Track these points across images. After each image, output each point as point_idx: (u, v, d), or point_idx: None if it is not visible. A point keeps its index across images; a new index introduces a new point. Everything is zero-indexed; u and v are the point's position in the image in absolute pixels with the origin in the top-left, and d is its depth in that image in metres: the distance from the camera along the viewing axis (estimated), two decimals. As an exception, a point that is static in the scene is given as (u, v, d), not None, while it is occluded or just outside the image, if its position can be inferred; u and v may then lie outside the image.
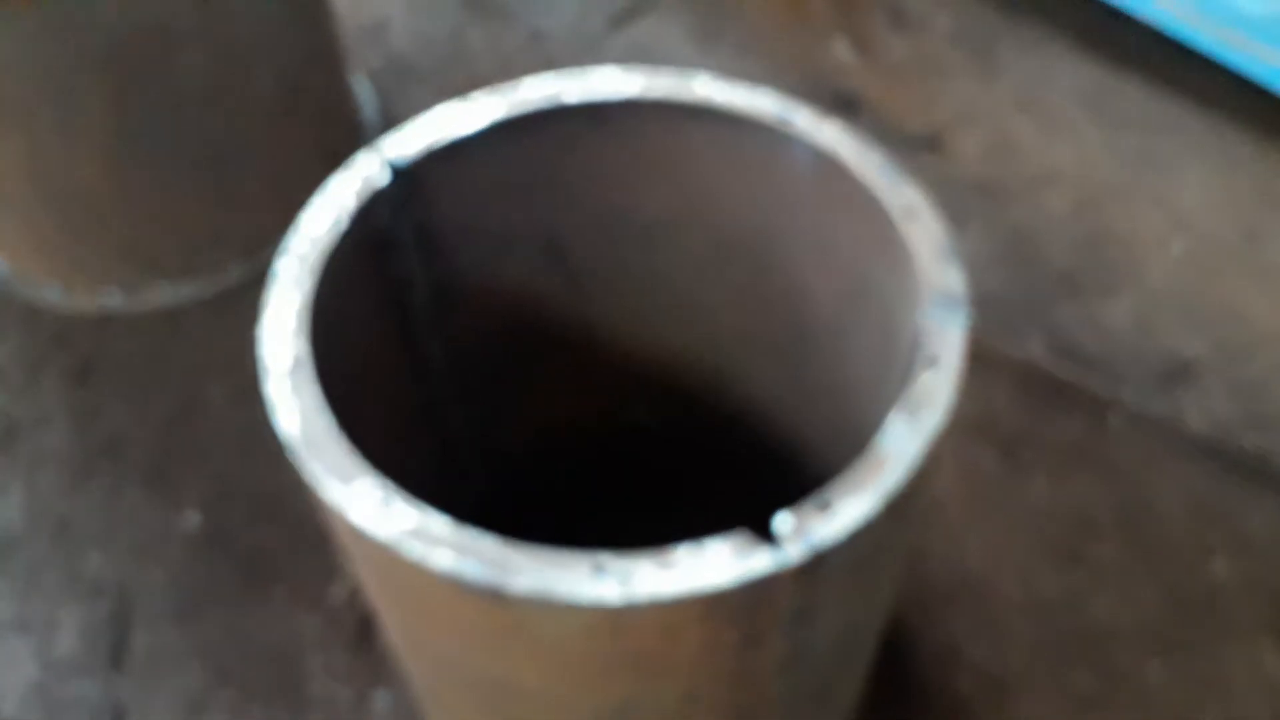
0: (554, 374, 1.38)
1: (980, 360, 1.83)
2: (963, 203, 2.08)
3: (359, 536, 0.81)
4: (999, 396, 1.80)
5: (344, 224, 1.01)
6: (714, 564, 0.75)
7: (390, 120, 2.24)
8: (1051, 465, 1.71)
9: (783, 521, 0.77)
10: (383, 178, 1.06)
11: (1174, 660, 1.49)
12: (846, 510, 0.78)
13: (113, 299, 1.96)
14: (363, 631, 1.54)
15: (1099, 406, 1.76)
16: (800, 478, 0.89)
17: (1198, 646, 1.49)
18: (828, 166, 1.06)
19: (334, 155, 2.00)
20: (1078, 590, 1.56)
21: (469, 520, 0.79)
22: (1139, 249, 2.02)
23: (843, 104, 2.30)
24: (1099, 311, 1.93)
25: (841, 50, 2.41)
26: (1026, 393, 1.80)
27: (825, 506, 0.78)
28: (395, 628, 1.10)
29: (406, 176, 1.09)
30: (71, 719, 1.48)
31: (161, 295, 1.97)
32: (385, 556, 0.80)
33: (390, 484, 0.80)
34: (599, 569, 0.74)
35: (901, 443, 0.83)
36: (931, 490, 1.60)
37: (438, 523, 0.77)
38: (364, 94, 2.29)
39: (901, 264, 0.99)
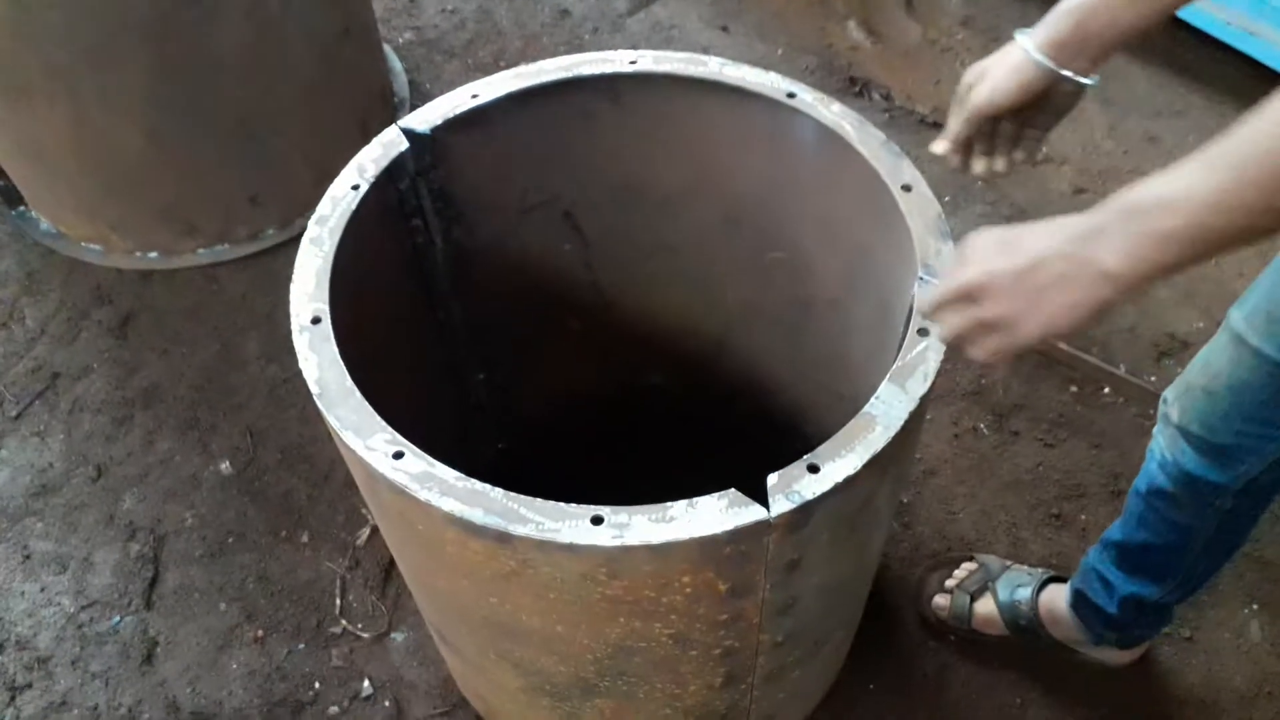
0: (568, 339, 1.43)
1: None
2: (968, 184, 2.11)
3: (374, 482, 0.88)
4: (995, 367, 1.83)
5: (365, 190, 1.06)
6: (706, 517, 0.80)
7: (419, 92, 2.30)
8: (1042, 433, 1.76)
9: (772, 481, 0.82)
10: (402, 146, 1.11)
11: (1162, 629, 1.53)
12: (833, 470, 0.83)
13: (152, 260, 2.03)
14: (383, 575, 1.62)
15: (1090, 378, 1.80)
16: (802, 445, 0.94)
17: (1183, 611, 1.53)
18: (831, 142, 1.10)
19: (365, 125, 2.07)
20: (1065, 553, 1.61)
21: (483, 475, 0.85)
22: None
23: (856, 85, 2.32)
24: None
25: (856, 33, 2.43)
26: (1021, 365, 1.84)
27: (813, 468, 0.84)
28: (409, 570, 1.17)
29: (427, 146, 1.14)
30: (104, 653, 1.56)
31: (199, 258, 2.03)
32: (398, 501, 0.86)
33: (402, 438, 0.86)
34: (597, 520, 0.80)
35: (889, 408, 0.88)
36: (915, 453, 1.64)
37: (447, 473, 0.83)
38: (395, 67, 2.34)
39: (899, 238, 1.03)
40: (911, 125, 2.23)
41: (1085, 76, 0.96)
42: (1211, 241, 0.69)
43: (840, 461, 0.84)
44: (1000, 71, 0.98)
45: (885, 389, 0.89)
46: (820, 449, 0.85)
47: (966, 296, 0.79)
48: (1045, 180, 2.14)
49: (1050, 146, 2.18)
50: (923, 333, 1.00)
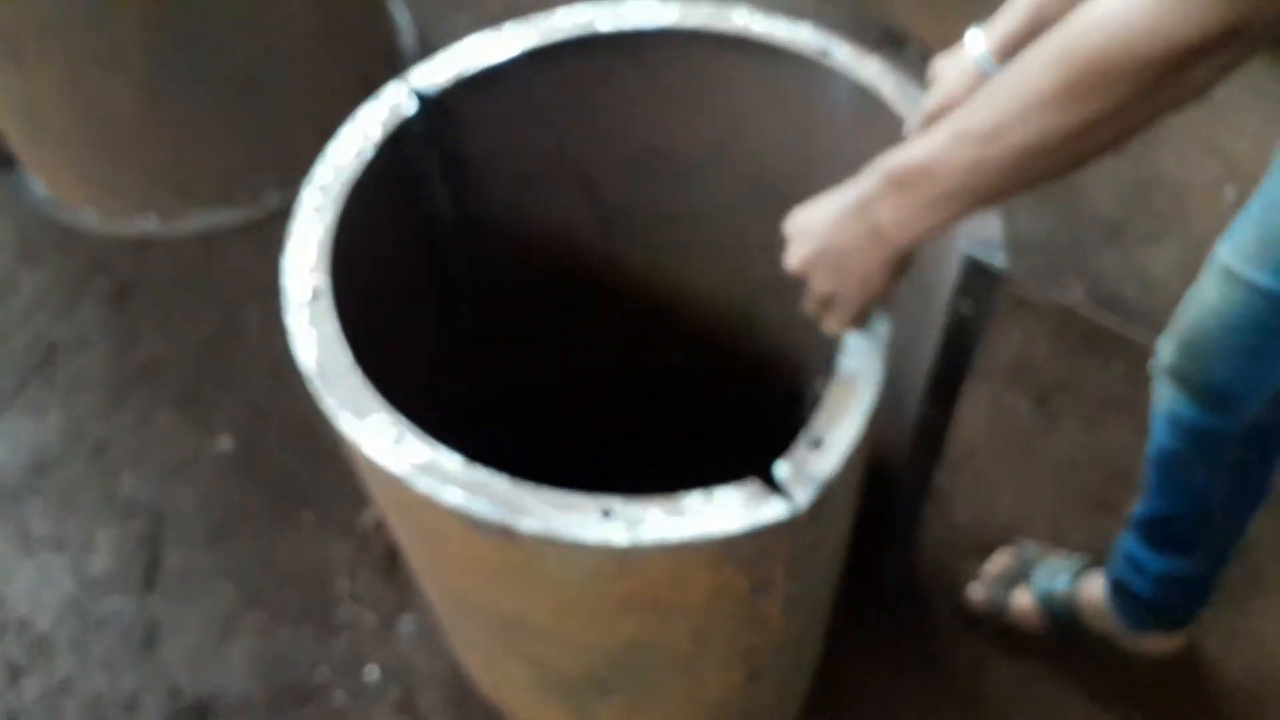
0: (584, 314, 1.36)
1: (1019, 306, 1.79)
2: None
3: (374, 469, 0.81)
4: (1037, 343, 1.76)
5: (369, 154, 0.99)
6: (724, 512, 0.73)
7: (428, 48, 2.21)
8: (1086, 414, 1.67)
9: (783, 469, 0.76)
10: (410, 108, 1.04)
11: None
12: (836, 442, 0.78)
13: (150, 224, 1.97)
14: (390, 557, 1.56)
15: (1137, 355, 1.71)
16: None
17: (1225, 600, 1.46)
18: (868, 102, 1.03)
19: (371, 84, 1.97)
20: (1108, 541, 1.53)
21: (491, 460, 0.78)
22: (1189, 196, 1.95)
23: (890, 39, 2.22)
24: (1143, 259, 1.87)
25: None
26: (1064, 340, 1.76)
27: (817, 443, 0.78)
28: (414, 559, 1.11)
29: (435, 107, 1.06)
30: (105, 635, 1.51)
31: (198, 222, 1.97)
32: (398, 490, 0.80)
33: (405, 420, 0.79)
34: (608, 513, 0.73)
35: (862, 360, 0.84)
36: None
37: (450, 460, 0.77)
38: (402, 21, 2.26)
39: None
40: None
41: None
42: (982, 196, 0.73)
43: (839, 430, 0.79)
44: (951, 75, 0.97)
45: (852, 341, 0.85)
46: (816, 422, 0.80)
47: (797, 277, 0.86)
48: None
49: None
50: (963, 304, 0.93)
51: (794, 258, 0.85)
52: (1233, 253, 0.98)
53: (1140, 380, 1.68)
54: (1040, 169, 0.69)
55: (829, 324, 0.87)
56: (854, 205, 0.78)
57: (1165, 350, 1.09)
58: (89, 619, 1.52)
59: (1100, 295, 1.82)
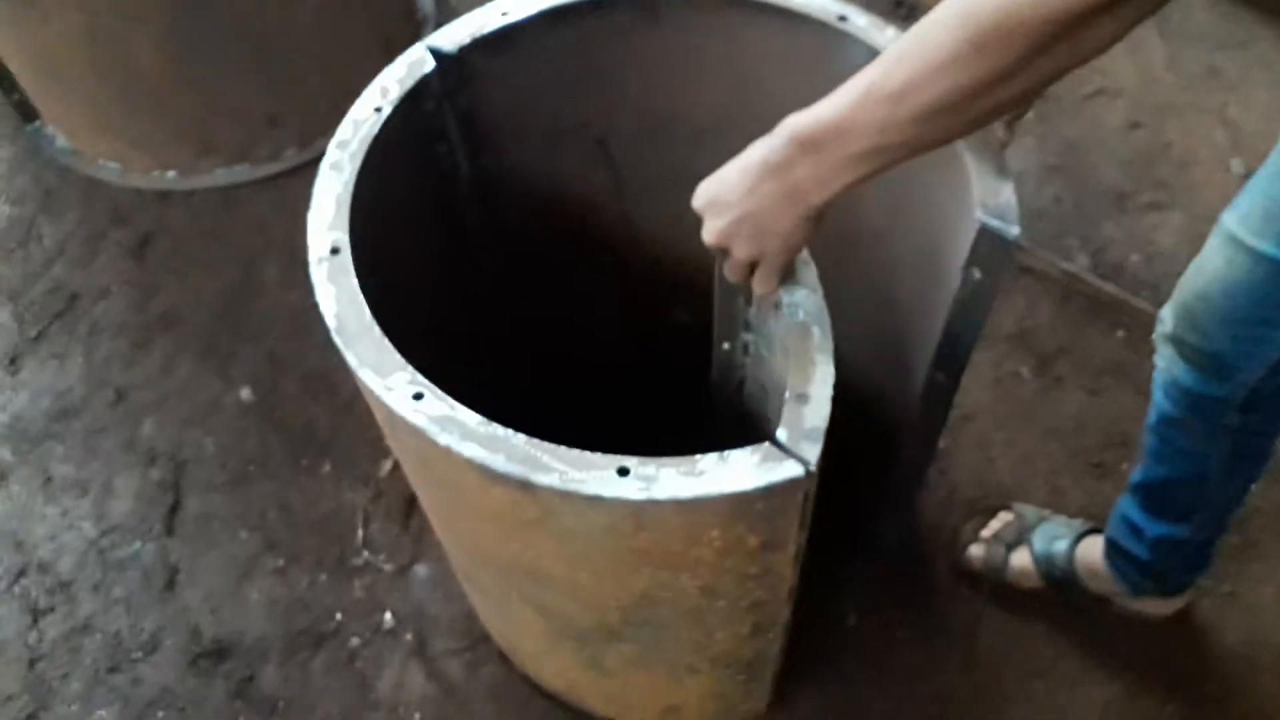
0: (597, 273, 1.38)
1: (1023, 274, 1.81)
2: (1008, 133, 2.01)
3: (394, 421, 0.84)
4: (1040, 310, 1.77)
5: (387, 112, 1.00)
6: (739, 472, 0.76)
7: (445, 8, 2.20)
8: (1087, 380, 1.69)
9: (783, 433, 0.78)
10: (428, 66, 1.05)
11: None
12: (819, 393, 0.81)
13: (170, 178, 1.98)
14: (406, 506, 1.59)
15: (1140, 323, 1.73)
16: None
17: (1222, 566, 1.49)
18: (883, 71, 1.03)
19: (389, 43, 1.97)
20: (1106, 503, 1.55)
21: (507, 415, 0.81)
22: (1195, 167, 1.95)
23: (900, 7, 2.21)
24: (1147, 229, 1.87)
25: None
26: (1067, 307, 1.77)
27: (803, 399, 0.81)
28: (431, 510, 1.14)
29: (453, 65, 1.07)
30: (125, 578, 1.55)
31: (218, 177, 1.98)
32: (419, 443, 0.82)
33: (423, 377, 0.82)
34: (623, 471, 0.75)
35: (807, 308, 0.87)
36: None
37: (469, 416, 0.79)
38: (422, -18, 2.25)
39: (953, 174, 0.96)
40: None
41: None
42: (896, 153, 0.74)
43: (817, 380, 0.82)
44: None
45: (788, 295, 0.88)
46: (788, 381, 0.82)
47: (716, 248, 0.87)
48: (1098, 114, 2.04)
49: (1104, 79, 2.08)
50: (975, 272, 0.94)
51: (712, 230, 0.86)
52: (1239, 222, 0.99)
53: (1142, 347, 1.70)
54: (950, 125, 0.71)
55: (758, 286, 0.89)
56: (767, 169, 0.79)
57: (1168, 317, 1.11)
58: (110, 562, 1.57)
59: (1104, 264, 1.83)
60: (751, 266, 0.87)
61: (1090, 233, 1.87)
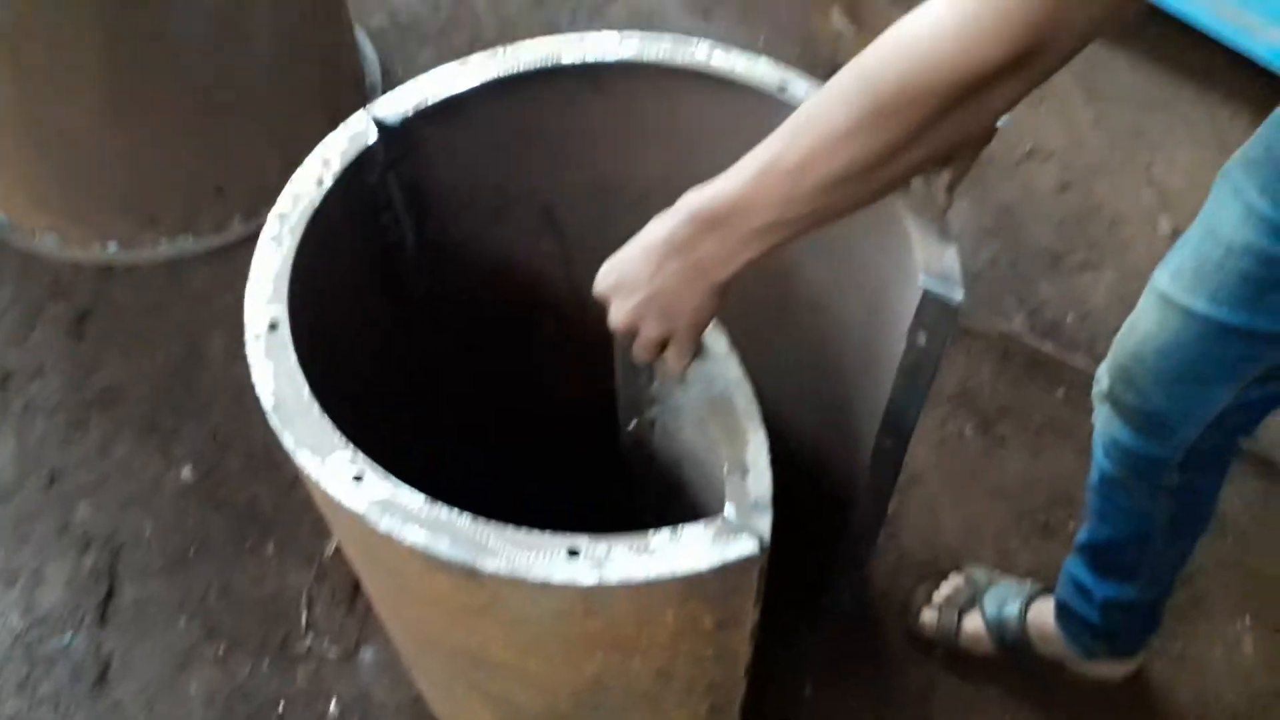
0: (545, 343, 1.36)
1: (963, 335, 1.82)
2: (948, 198, 2.05)
3: (333, 505, 0.80)
4: (981, 371, 1.78)
5: (329, 184, 0.99)
6: (692, 549, 0.73)
7: (392, 79, 2.21)
8: (1029, 439, 1.70)
9: (730, 509, 0.76)
10: (371, 136, 1.03)
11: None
12: (758, 461, 0.80)
13: (111, 252, 1.94)
14: (352, 588, 1.54)
15: (1078, 381, 1.74)
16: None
17: (1172, 625, 1.48)
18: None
19: (336, 112, 1.94)
20: (1054, 563, 1.55)
21: (456, 492, 0.78)
22: (1125, 226, 2.00)
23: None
24: (1081, 288, 1.91)
25: (839, 21, 2.36)
26: (1007, 367, 1.79)
27: (744, 471, 0.80)
28: (376, 596, 1.10)
29: (397, 135, 1.06)
30: (54, 674, 1.48)
31: (161, 250, 1.94)
32: (358, 527, 0.79)
33: (363, 456, 0.79)
34: (573, 552, 0.73)
35: (726, 377, 0.87)
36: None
37: (411, 498, 0.76)
38: (367, 52, 2.25)
39: (894, 240, 0.96)
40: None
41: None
42: (799, 226, 0.74)
43: (753, 449, 0.81)
44: None
45: (702, 368, 0.89)
46: (724, 453, 0.82)
47: (625, 330, 0.86)
48: (1030, 177, 2.08)
49: (1034, 141, 2.13)
50: (920, 336, 0.94)
51: (620, 313, 0.85)
52: (1170, 280, 1.00)
53: (1082, 405, 1.71)
54: (851, 196, 0.71)
55: (672, 362, 0.88)
56: (670, 247, 0.79)
57: (1104, 377, 1.11)
58: (37, 656, 1.49)
59: (1041, 323, 1.85)
60: (661, 345, 0.87)
61: (1026, 293, 1.89)
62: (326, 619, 1.52)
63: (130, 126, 1.77)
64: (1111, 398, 1.10)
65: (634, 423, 1.11)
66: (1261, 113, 0.95)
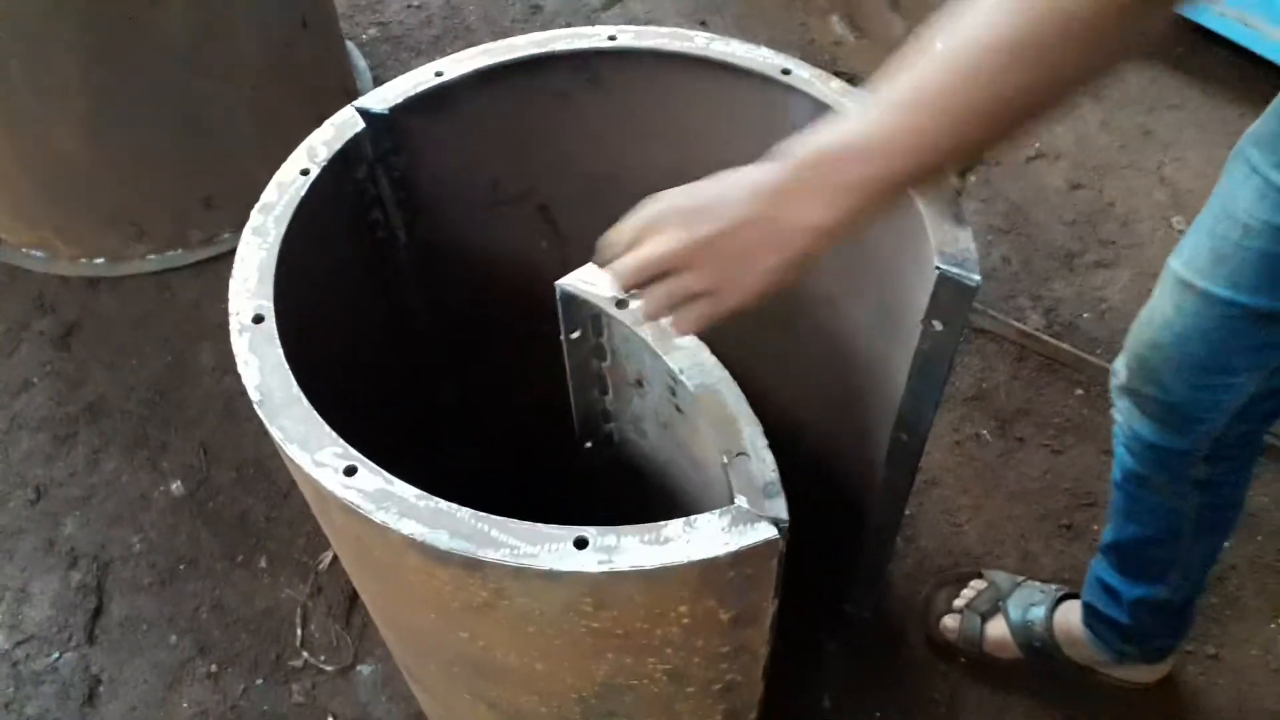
0: (540, 344, 1.32)
1: (978, 335, 1.78)
2: (961, 182, 2.02)
3: (324, 499, 0.76)
4: (997, 371, 1.75)
5: (316, 175, 0.95)
6: (708, 538, 0.69)
7: (383, 85, 2.18)
8: (1048, 439, 1.66)
9: (740, 498, 0.72)
10: (359, 127, 1.00)
11: (1183, 646, 1.44)
12: (758, 445, 0.77)
13: (99, 266, 1.90)
14: (348, 602, 1.50)
15: (1096, 380, 1.71)
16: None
17: (1205, 627, 1.44)
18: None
19: (327, 122, 1.94)
20: (1078, 566, 1.51)
21: (448, 493, 0.74)
22: (1138, 225, 1.97)
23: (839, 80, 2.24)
24: (1096, 286, 1.87)
25: (839, 27, 2.34)
26: (1024, 367, 1.75)
27: (742, 453, 0.76)
28: (371, 601, 1.05)
29: (386, 128, 1.03)
30: (41, 694, 1.43)
31: (149, 263, 1.91)
32: (352, 524, 0.75)
33: (356, 451, 0.75)
34: (582, 542, 0.69)
35: (705, 369, 0.85)
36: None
37: (406, 490, 0.72)
38: (358, 64, 2.22)
39: (908, 227, 0.93)
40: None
41: None
42: (913, 177, 0.67)
43: (748, 434, 0.78)
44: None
45: (680, 354, 0.86)
46: (724, 441, 0.78)
47: (665, 267, 0.72)
48: (1040, 176, 2.05)
49: (1044, 141, 2.10)
50: (935, 324, 0.90)
51: (665, 243, 0.71)
52: (1186, 264, 0.97)
53: (1101, 404, 1.68)
54: (1006, 127, 0.64)
55: (682, 322, 0.75)
56: (770, 190, 0.68)
57: (1121, 370, 1.07)
58: (24, 676, 1.44)
59: (1057, 322, 1.82)
60: (688, 300, 0.73)
61: (1041, 292, 1.86)
62: (322, 634, 1.47)
63: (116, 141, 1.74)
64: (1130, 390, 1.06)
65: (590, 444, 1.08)
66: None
